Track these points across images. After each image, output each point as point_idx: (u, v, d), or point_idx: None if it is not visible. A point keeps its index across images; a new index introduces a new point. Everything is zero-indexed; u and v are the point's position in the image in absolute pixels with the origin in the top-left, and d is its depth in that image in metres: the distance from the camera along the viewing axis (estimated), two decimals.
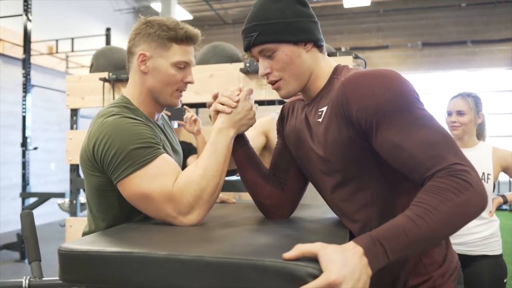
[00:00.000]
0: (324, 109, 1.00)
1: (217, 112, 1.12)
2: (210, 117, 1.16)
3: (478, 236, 2.00)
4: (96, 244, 0.84)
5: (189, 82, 1.23)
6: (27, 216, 1.09)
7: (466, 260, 1.94)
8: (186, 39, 1.19)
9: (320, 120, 1.01)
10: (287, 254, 0.71)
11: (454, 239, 1.99)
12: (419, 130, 0.84)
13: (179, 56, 1.19)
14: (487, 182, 2.02)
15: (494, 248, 2.01)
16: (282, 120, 1.25)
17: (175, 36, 1.18)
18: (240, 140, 1.16)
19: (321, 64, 1.06)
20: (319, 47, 1.06)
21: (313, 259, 0.70)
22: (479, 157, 2.07)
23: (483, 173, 2.03)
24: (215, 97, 1.15)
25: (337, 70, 1.05)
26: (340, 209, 1.07)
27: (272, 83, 1.06)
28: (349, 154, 0.96)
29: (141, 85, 1.20)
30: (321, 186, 1.10)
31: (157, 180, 1.02)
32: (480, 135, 2.19)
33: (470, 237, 2.00)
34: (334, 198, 1.06)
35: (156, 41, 1.17)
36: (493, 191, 2.08)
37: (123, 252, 0.78)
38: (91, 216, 1.20)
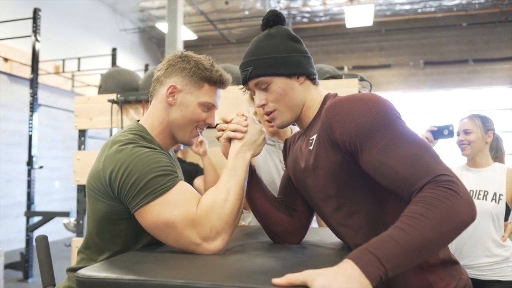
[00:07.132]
0: (314, 137, 1.04)
1: (228, 139, 1.14)
2: (217, 138, 1.17)
3: (489, 261, 1.95)
4: (113, 271, 0.85)
5: (210, 124, 1.24)
6: (42, 240, 1.10)
7: (477, 285, 1.91)
8: (218, 83, 1.21)
9: (311, 148, 1.05)
10: (277, 280, 0.73)
11: (464, 261, 1.95)
12: (401, 147, 0.86)
13: (208, 97, 1.20)
14: (498, 203, 1.97)
15: (507, 273, 1.95)
16: (285, 153, 1.30)
17: (210, 77, 1.19)
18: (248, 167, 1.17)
19: (313, 95, 1.12)
20: (312, 79, 1.12)
21: None
22: (493, 177, 2.04)
23: (495, 193, 1.99)
24: (226, 121, 1.16)
25: (326, 99, 1.10)
26: (339, 234, 1.10)
27: (268, 113, 1.12)
28: (339, 178, 0.99)
29: (163, 116, 1.20)
30: (321, 212, 1.13)
31: (178, 206, 1.00)
32: (497, 157, 2.17)
33: (480, 260, 1.95)
34: (333, 223, 1.08)
35: (190, 78, 1.18)
36: (510, 214, 2.03)
37: (141, 280, 0.79)
38: (91, 243, 1.13)
